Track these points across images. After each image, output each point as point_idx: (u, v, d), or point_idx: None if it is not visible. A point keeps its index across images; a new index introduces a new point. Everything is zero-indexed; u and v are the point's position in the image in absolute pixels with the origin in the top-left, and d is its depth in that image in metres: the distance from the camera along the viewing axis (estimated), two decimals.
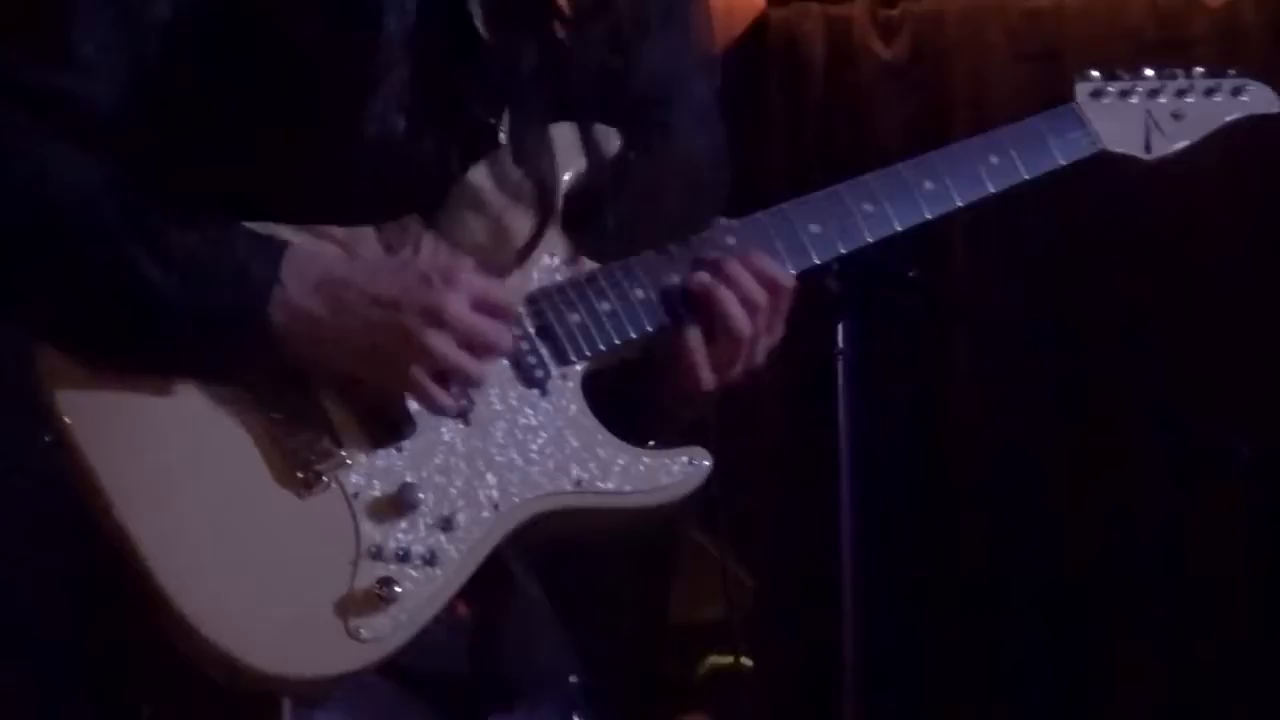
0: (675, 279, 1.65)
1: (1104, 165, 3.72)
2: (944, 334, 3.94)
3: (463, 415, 1.53)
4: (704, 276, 1.62)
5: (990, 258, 3.96)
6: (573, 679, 1.72)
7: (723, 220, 1.72)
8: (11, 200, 1.50)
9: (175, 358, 1.51)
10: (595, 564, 3.44)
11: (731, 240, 1.67)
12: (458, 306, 1.49)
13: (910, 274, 3.23)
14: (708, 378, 1.63)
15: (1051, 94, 3.76)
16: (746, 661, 3.73)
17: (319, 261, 1.53)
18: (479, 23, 1.62)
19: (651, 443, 1.65)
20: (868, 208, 1.73)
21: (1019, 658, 3.84)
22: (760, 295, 1.62)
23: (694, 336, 1.62)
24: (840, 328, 2.81)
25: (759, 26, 4.01)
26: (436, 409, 1.51)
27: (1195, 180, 3.83)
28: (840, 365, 2.80)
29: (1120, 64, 3.71)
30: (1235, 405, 3.76)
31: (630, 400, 1.69)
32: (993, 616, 3.85)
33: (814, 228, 1.71)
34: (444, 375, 1.50)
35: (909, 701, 3.78)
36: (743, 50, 3.90)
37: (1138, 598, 3.82)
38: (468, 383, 1.51)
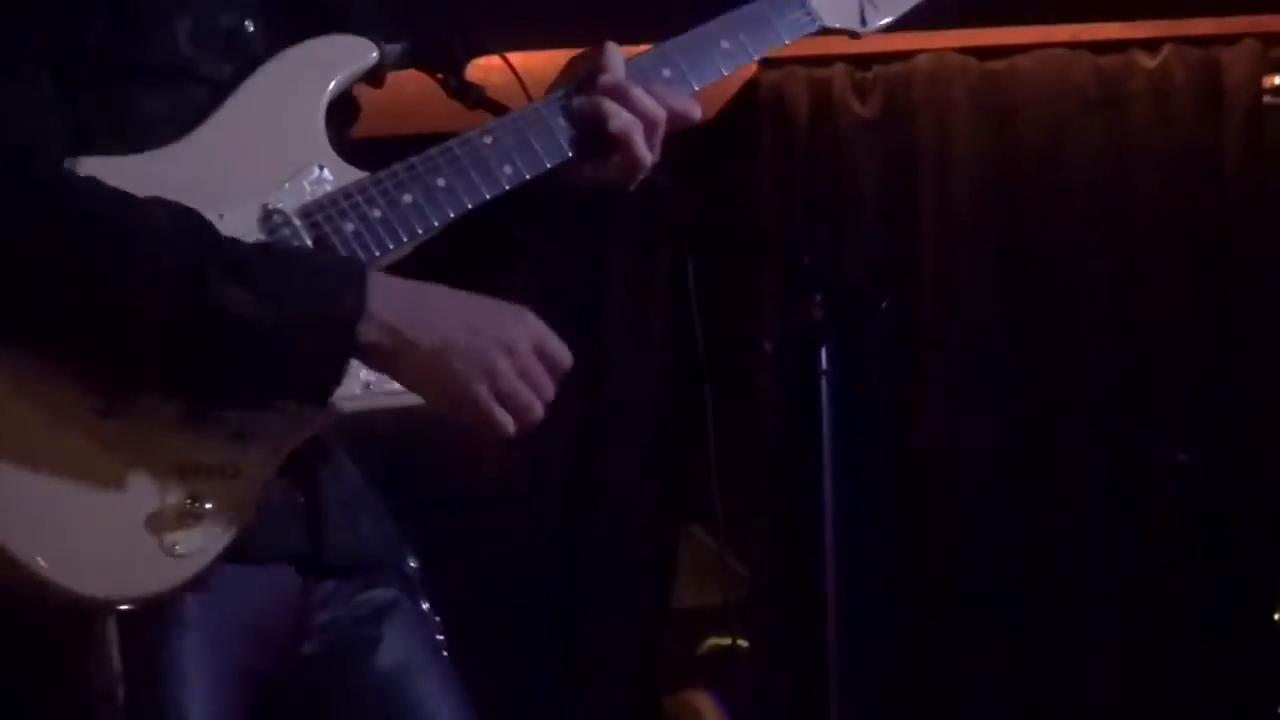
0: (445, 179, 1.66)
1: (1058, 209, 3.90)
2: (912, 355, 4.12)
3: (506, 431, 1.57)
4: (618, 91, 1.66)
5: (953, 289, 4.17)
6: (413, 563, 1.76)
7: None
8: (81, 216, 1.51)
9: (262, 393, 1.53)
10: None
11: (487, 139, 1.69)
12: (525, 345, 1.55)
13: (884, 304, 3.60)
14: (645, 155, 1.69)
15: (1007, 144, 4.11)
16: (742, 642, 4.12)
17: (397, 286, 1.55)
18: None
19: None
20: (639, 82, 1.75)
21: (980, 638, 3.96)
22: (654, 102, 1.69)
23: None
24: (824, 350, 2.98)
25: (751, 87, 4.21)
26: (492, 424, 1.55)
27: (1137, 217, 4.15)
28: (824, 382, 2.96)
29: (1069, 118, 3.98)
30: (1174, 418, 3.97)
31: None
32: (957, 601, 3.98)
33: (562, 122, 1.72)
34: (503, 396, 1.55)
35: (886, 675, 3.94)
36: (737, 107, 4.16)
37: (1089, 591, 3.96)
38: (517, 410, 1.55)
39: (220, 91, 1.60)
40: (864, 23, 1.95)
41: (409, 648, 1.68)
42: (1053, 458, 4.03)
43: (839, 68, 4.21)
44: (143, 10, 1.57)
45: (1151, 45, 4.16)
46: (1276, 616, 3.99)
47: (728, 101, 4.12)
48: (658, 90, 1.70)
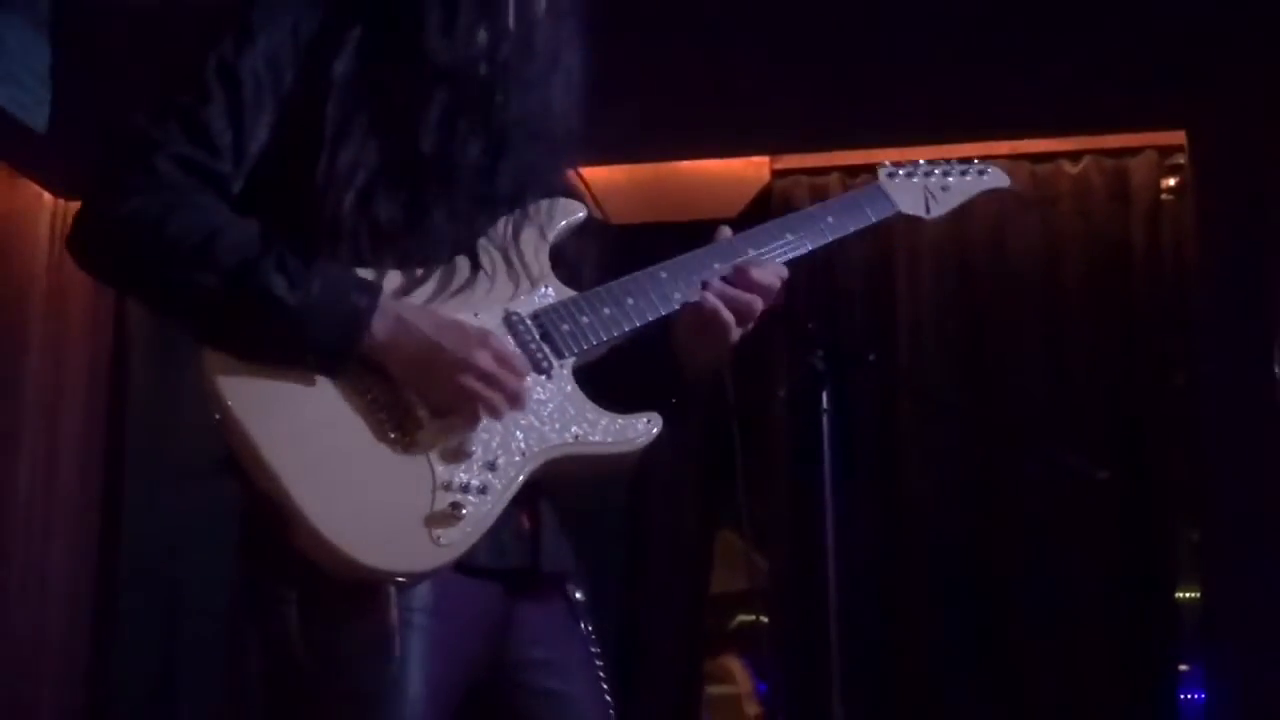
0: (636, 302, 1.85)
1: (1002, 284, 4.31)
2: (892, 398, 4.50)
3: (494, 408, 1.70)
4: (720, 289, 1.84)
5: (922, 347, 4.54)
6: (579, 595, 1.88)
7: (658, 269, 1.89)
8: (183, 228, 1.69)
9: (289, 353, 1.68)
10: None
11: (664, 275, 1.87)
12: (487, 360, 1.71)
13: (870, 358, 3.78)
14: (733, 328, 1.84)
15: (963, 233, 4.52)
16: (763, 619, 4.57)
17: (400, 304, 1.72)
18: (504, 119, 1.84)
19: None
20: (752, 252, 1.92)
21: (944, 613, 4.33)
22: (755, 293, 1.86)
23: (697, 312, 1.84)
24: (825, 394, 3.10)
25: (765, 191, 4.67)
26: (479, 400, 1.70)
27: (1064, 289, 4.52)
28: (825, 419, 3.09)
29: (1011, 213, 4.45)
30: (1095, 446, 4.24)
31: (611, 382, 1.85)
32: (925, 582, 4.36)
33: (716, 266, 1.89)
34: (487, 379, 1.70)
35: (875, 644, 4.23)
36: (754, 208, 4.59)
37: (1030, 575, 4.28)
38: (498, 389, 1.70)
39: (481, 229, 1.82)
40: (928, 211, 2.15)
41: (577, 663, 1.84)
42: (1001, 476, 4.36)
43: (834, 176, 4.62)
44: (427, 198, 1.78)
45: (1075, 156, 4.56)
46: (1176, 596, 4.34)
47: (748, 203, 4.65)
48: (760, 278, 1.86)
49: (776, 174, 4.68)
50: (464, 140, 1.79)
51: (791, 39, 4.24)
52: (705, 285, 1.84)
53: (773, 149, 4.71)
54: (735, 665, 4.82)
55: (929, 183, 2.15)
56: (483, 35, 1.83)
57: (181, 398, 4.65)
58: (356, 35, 1.80)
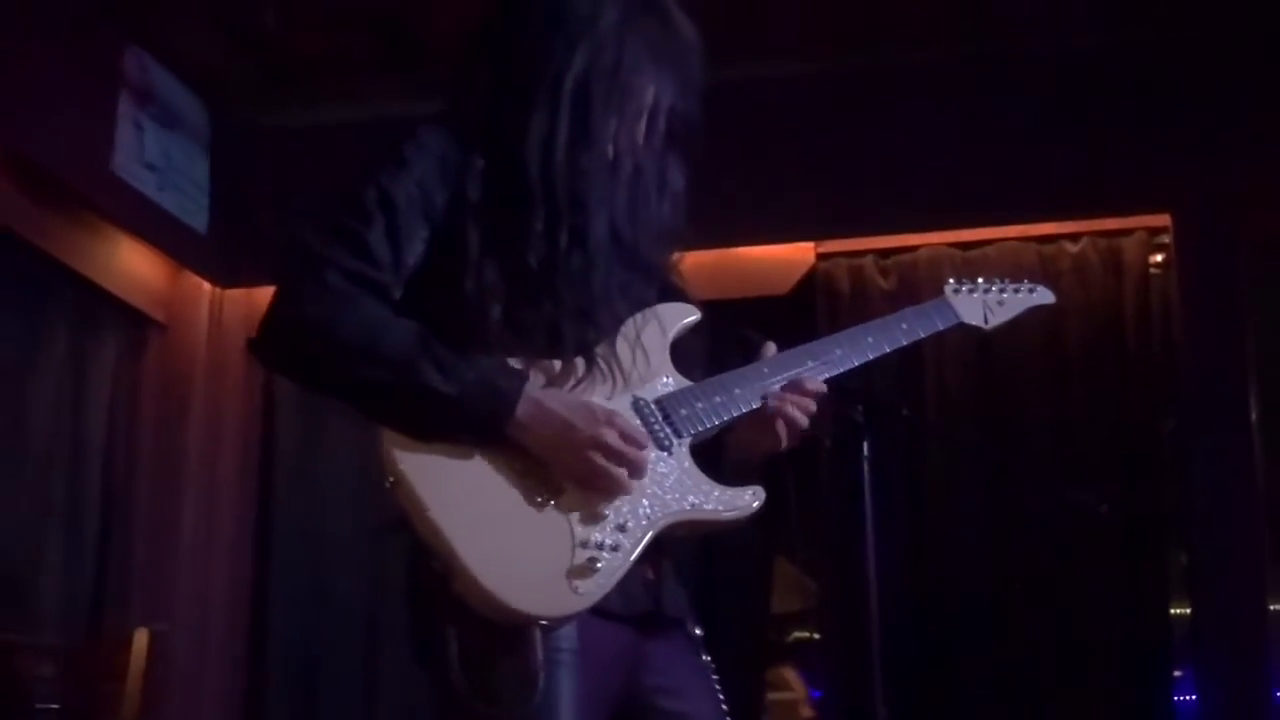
0: (742, 391, 1.92)
1: (1014, 349, 4.53)
2: (921, 446, 4.65)
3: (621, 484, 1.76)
4: (776, 398, 1.91)
5: (948, 403, 4.70)
6: (697, 631, 1.95)
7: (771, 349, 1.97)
8: (353, 331, 1.75)
9: (449, 433, 1.75)
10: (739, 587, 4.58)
11: (766, 370, 1.94)
12: (612, 437, 1.78)
13: (903, 411, 3.97)
14: (785, 439, 1.92)
15: None
16: (815, 635, 4.73)
17: (541, 391, 1.79)
18: (631, 238, 1.90)
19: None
20: (838, 351, 2.02)
21: (970, 631, 4.47)
22: (806, 405, 1.93)
23: (768, 419, 1.90)
24: (865, 443, 3.08)
25: (811, 270, 4.90)
26: (609, 476, 1.78)
27: (1067, 353, 4.67)
28: (865, 465, 3.08)
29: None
30: (1096, 484, 4.40)
31: (719, 459, 1.94)
32: (954, 603, 4.51)
33: (811, 362, 1.98)
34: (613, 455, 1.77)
35: (912, 657, 4.40)
36: (800, 289, 4.88)
37: (1041, 593, 4.45)
38: (623, 463, 1.77)
39: (606, 329, 1.88)
40: (986, 322, 2.25)
41: (699, 689, 1.92)
42: (1016, 511, 4.53)
43: (869, 258, 4.84)
44: (589, 301, 1.88)
45: (1074, 238, 4.74)
46: (1169, 611, 4.48)
47: (798, 281, 4.90)
48: (811, 390, 1.92)
49: (820, 257, 4.89)
50: (567, 254, 1.83)
51: (830, 147, 4.83)
52: (764, 396, 1.91)
53: (817, 236, 4.91)
54: (791, 675, 5.09)
55: (987, 298, 2.26)
56: (582, 158, 1.88)
57: (322, 454, 5.09)
58: (480, 163, 1.87)
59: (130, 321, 5.06)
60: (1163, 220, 4.69)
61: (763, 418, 1.93)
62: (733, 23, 4.23)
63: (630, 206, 1.90)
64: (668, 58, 1.96)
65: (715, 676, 1.93)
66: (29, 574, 4.45)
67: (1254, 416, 4.43)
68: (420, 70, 4.62)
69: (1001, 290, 2.29)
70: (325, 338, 1.73)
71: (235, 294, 5.27)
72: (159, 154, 4.88)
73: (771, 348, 2.00)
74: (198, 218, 5.14)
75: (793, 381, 1.94)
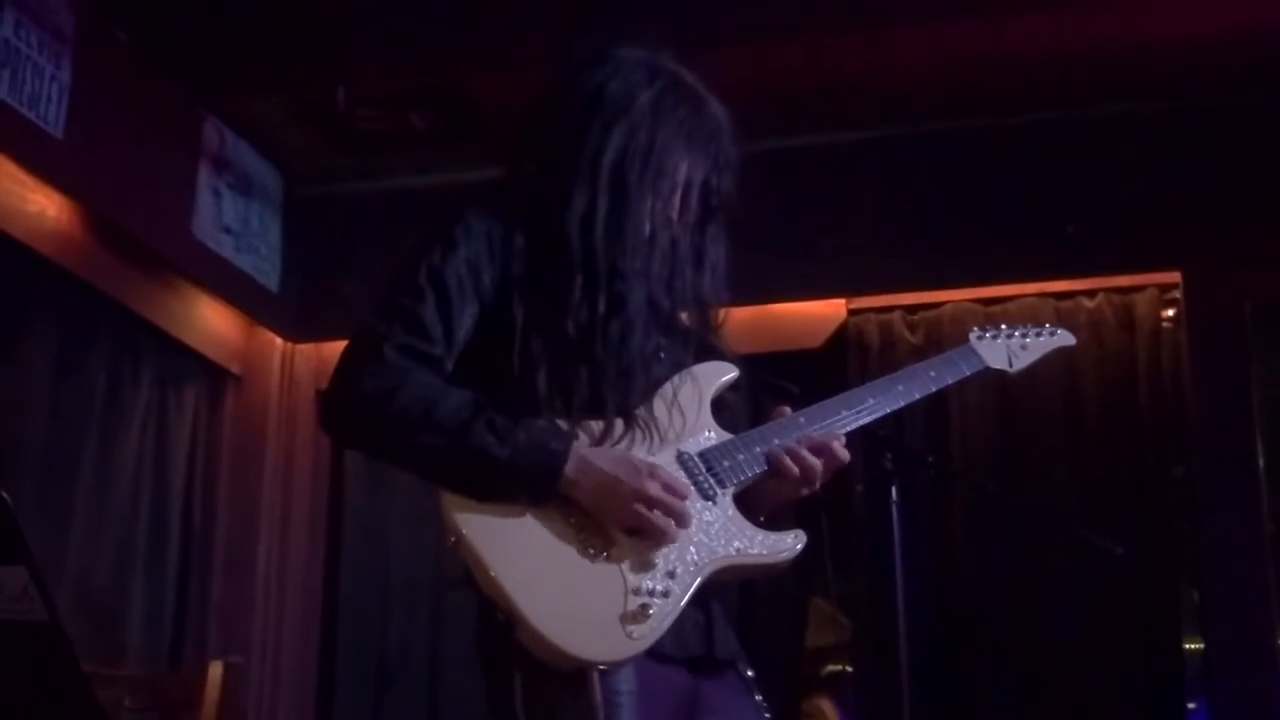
0: (778, 443, 1.95)
1: (1033, 400, 4.67)
2: (947, 491, 4.71)
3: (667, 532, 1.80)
4: (794, 452, 1.93)
5: (971, 452, 4.76)
6: (749, 673, 1.98)
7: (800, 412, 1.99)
8: (410, 400, 1.79)
9: (505, 493, 1.79)
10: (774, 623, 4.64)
11: (803, 420, 1.98)
12: (655, 489, 1.82)
13: (929, 459, 4.14)
14: (805, 487, 1.95)
15: None
16: (848, 668, 4.83)
17: (588, 449, 1.83)
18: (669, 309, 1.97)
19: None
20: (871, 400, 2.05)
21: (989, 676, 4.55)
22: (820, 461, 1.95)
23: (792, 472, 1.93)
24: (894, 488, 3.04)
25: (842, 326, 4.98)
26: (654, 526, 1.82)
27: (1082, 403, 4.74)
28: (894, 509, 3.04)
29: None
30: (1113, 523, 4.47)
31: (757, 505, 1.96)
32: (978, 639, 4.58)
33: (845, 411, 2.01)
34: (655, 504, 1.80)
35: (940, 690, 4.45)
36: (833, 343, 4.96)
37: (1059, 628, 4.53)
38: (668, 512, 1.81)
39: (649, 388, 1.92)
40: (1010, 365, 2.29)
41: None
42: (1037, 552, 4.60)
43: (897, 314, 4.92)
44: (626, 362, 1.91)
45: (1090, 294, 4.82)
46: (1183, 646, 4.50)
47: (829, 336, 4.99)
48: (827, 447, 1.93)
49: (851, 312, 4.98)
50: (605, 321, 1.87)
51: (859, 211, 5.02)
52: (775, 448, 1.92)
53: (848, 293, 5.00)
54: (826, 705, 4.97)
55: (1010, 343, 2.30)
56: (620, 233, 1.93)
57: (388, 498, 5.25)
58: (522, 241, 1.92)
59: (208, 374, 5.21)
60: (1173, 278, 4.76)
61: (781, 468, 1.97)
62: (771, 99, 4.64)
63: (667, 277, 1.96)
64: (699, 138, 2.02)
65: (768, 716, 1.97)
66: (115, 609, 4.62)
67: (1260, 462, 4.50)
68: (477, 142, 4.87)
69: (1024, 335, 2.34)
70: (384, 408, 1.78)
71: (305, 348, 5.44)
72: (236, 218, 5.06)
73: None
74: (271, 277, 5.32)
75: (804, 436, 1.98)
